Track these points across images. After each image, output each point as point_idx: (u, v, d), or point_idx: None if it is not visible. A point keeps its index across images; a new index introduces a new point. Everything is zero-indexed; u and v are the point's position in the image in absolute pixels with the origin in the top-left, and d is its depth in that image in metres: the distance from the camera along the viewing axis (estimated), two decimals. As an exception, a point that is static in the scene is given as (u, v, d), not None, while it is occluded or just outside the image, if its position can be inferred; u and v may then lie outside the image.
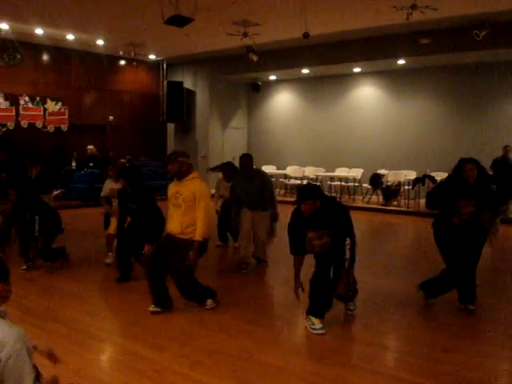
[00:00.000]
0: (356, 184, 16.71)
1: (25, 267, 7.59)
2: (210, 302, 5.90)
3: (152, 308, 5.75)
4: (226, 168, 9.40)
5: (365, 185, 16.30)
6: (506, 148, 12.88)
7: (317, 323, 5.20)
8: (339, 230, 5.22)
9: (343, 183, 16.78)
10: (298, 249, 5.33)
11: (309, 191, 5.30)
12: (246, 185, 7.82)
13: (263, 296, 6.90)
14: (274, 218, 7.91)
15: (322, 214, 5.19)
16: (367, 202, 15.85)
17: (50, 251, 7.67)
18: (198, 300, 5.94)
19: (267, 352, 4.71)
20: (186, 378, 4.17)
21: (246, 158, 7.92)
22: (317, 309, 5.27)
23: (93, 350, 4.82)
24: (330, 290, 5.33)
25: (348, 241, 5.27)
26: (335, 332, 5.24)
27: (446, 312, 5.86)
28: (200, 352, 4.70)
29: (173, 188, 5.81)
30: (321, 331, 5.13)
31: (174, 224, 5.73)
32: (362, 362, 4.56)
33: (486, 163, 13.22)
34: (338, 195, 16.73)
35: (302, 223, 5.26)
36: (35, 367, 2.80)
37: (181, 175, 5.72)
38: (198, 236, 5.62)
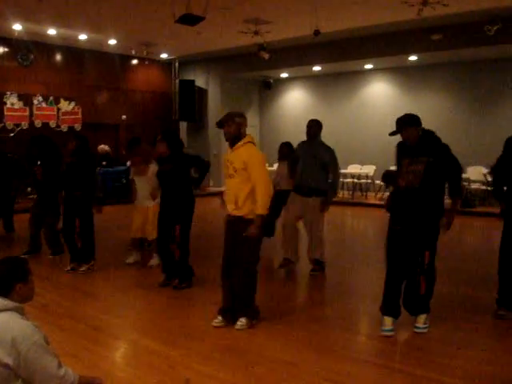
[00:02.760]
0: (369, 181, 16.68)
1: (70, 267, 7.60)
2: (244, 321, 5.20)
3: (217, 322, 5.24)
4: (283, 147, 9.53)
5: (377, 182, 16.26)
6: None
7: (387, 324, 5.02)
8: (437, 158, 4.91)
9: (356, 180, 16.75)
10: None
11: (411, 118, 5.12)
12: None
13: (275, 292, 6.86)
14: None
15: (421, 142, 5.01)
16: (380, 199, 15.82)
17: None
18: (248, 314, 5.24)
19: (279, 348, 4.75)
20: (199, 373, 4.22)
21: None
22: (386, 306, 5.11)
23: (107, 346, 4.89)
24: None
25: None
26: (346, 328, 5.26)
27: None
28: (213, 348, 4.75)
29: (225, 156, 5.24)
30: (388, 333, 4.98)
31: (229, 198, 5.13)
32: (373, 357, 4.59)
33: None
34: (351, 192, 16.74)
35: (401, 154, 5.19)
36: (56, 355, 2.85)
37: (235, 140, 5.08)
38: (258, 208, 4.97)
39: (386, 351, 4.74)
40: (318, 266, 7.48)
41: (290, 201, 7.58)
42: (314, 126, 7.51)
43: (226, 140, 5.14)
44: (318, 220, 7.43)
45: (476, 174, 14.68)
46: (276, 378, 4.18)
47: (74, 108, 16.46)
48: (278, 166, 9.50)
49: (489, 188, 13.91)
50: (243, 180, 5.01)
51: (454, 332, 5.14)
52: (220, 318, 5.24)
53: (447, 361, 4.44)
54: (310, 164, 7.29)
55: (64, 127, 16.13)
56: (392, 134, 5.29)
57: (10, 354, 2.63)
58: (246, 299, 5.19)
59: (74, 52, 16.59)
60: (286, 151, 9.12)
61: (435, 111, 16.12)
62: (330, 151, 7.44)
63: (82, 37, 15.12)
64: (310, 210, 7.31)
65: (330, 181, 7.34)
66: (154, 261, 7.79)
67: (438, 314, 5.35)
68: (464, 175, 14.97)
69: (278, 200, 7.49)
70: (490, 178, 13.78)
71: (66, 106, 16.34)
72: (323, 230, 7.61)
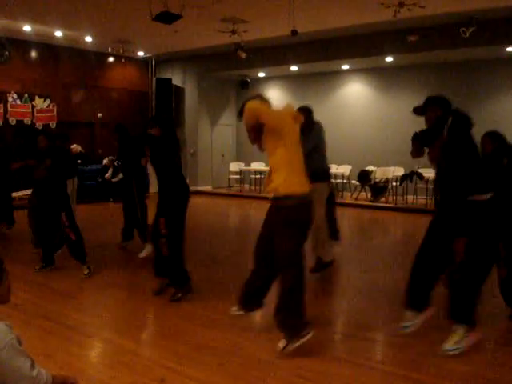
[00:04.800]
0: (344, 181, 16.78)
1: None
2: (307, 334, 4.44)
3: (236, 311, 5.05)
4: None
5: (353, 181, 16.38)
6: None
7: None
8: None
9: (332, 180, 16.82)
10: None
11: (434, 98, 5.06)
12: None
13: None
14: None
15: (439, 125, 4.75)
16: (356, 199, 15.93)
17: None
18: (293, 330, 4.46)
19: (256, 346, 4.76)
20: (175, 371, 4.20)
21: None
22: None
23: (81, 345, 4.84)
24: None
25: None
26: (323, 326, 5.29)
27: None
28: (189, 347, 4.73)
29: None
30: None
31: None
32: (350, 356, 4.61)
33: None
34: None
35: None
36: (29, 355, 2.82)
37: None
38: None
39: (364, 350, 4.77)
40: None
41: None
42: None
43: None
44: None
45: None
46: (251, 375, 4.19)
47: (49, 105, 16.31)
48: None
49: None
50: (269, 151, 4.82)
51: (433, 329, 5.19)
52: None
53: (422, 359, 4.49)
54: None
55: (39, 125, 15.97)
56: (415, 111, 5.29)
57: (-19, 356, 2.59)
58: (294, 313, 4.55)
59: (49, 49, 16.40)
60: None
61: (411, 111, 16.26)
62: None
63: (58, 34, 14.96)
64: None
65: None
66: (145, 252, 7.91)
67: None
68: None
69: None
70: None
71: (41, 103, 16.18)
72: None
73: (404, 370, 4.25)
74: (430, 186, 13.89)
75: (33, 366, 2.75)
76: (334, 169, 16.86)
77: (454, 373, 4.25)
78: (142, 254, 8.16)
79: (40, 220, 7.60)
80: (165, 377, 4.10)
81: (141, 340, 4.87)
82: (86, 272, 7.18)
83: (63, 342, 4.80)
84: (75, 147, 16.22)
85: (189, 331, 5.13)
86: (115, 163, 16.41)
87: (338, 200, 15.64)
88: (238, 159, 19.98)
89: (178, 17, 10.87)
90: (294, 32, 11.80)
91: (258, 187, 17.92)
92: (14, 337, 2.73)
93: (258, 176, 18.23)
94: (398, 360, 4.48)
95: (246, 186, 19.45)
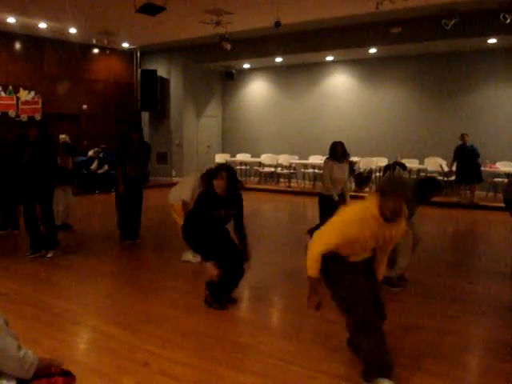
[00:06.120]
0: (329, 171, 16.89)
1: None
2: None
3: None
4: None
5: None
6: (462, 136, 13.35)
7: None
8: None
9: (316, 171, 16.98)
10: None
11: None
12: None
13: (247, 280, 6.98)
14: None
15: None
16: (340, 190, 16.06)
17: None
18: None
19: (238, 331, 4.90)
20: (158, 356, 4.33)
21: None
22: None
23: (67, 331, 4.95)
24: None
25: None
26: (304, 312, 5.43)
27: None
28: (172, 332, 4.86)
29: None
30: None
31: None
32: (326, 338, 4.75)
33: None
34: (312, 182, 16.99)
35: None
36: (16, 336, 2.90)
37: None
38: None
39: (340, 333, 4.92)
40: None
41: None
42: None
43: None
44: None
45: (433, 164, 15.06)
46: (234, 359, 4.31)
47: (33, 97, 16.29)
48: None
49: (445, 178, 14.28)
50: None
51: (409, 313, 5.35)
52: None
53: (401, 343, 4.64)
54: None
55: (24, 117, 15.95)
56: None
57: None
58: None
59: (34, 41, 16.35)
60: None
61: (394, 102, 16.45)
62: None
63: (42, 25, 14.93)
64: None
65: None
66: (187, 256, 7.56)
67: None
68: (421, 166, 15.37)
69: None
70: (446, 169, 14.18)
71: (25, 95, 16.15)
72: None
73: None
74: (412, 177, 14.07)
75: (19, 347, 2.83)
76: (319, 159, 17.03)
77: None
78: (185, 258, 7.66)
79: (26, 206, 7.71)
80: (148, 360, 4.22)
81: (125, 326, 4.98)
82: (49, 255, 7.71)
83: (50, 328, 4.91)
84: (64, 138, 16.25)
85: (172, 318, 5.25)
86: (100, 155, 16.48)
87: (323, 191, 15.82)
88: (223, 151, 20.06)
89: (161, 8, 10.94)
90: (278, 23, 11.91)
91: (243, 178, 18.03)
92: (2, 318, 2.81)
93: (243, 167, 18.35)
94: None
95: (232, 177, 19.47)
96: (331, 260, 3.93)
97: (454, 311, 5.54)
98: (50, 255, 7.69)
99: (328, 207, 7.39)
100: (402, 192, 3.71)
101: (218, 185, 5.26)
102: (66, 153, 9.74)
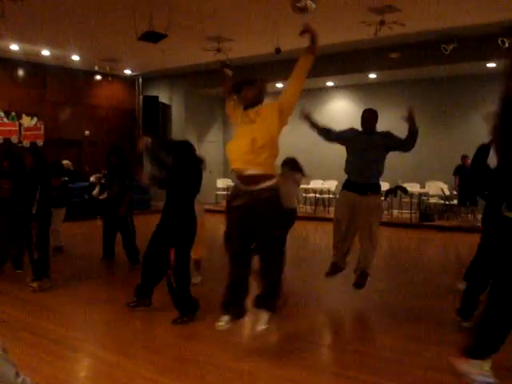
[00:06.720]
0: (331, 196, 16.94)
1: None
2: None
3: (222, 324, 4.82)
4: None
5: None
6: (464, 157, 13.45)
7: None
8: None
9: (318, 195, 17.00)
10: None
11: None
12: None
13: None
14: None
15: None
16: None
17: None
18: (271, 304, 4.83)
19: (236, 357, 4.84)
20: (156, 383, 4.29)
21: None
22: None
23: (66, 358, 4.91)
24: None
25: None
26: (302, 336, 5.39)
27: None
28: (170, 359, 4.82)
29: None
30: None
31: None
32: (326, 366, 4.71)
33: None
34: (313, 207, 16.98)
35: None
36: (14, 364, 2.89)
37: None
38: None
39: (340, 360, 4.88)
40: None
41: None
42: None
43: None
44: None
45: (434, 188, 15.06)
46: (232, 386, 4.28)
47: (36, 124, 16.40)
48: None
49: (447, 202, 14.28)
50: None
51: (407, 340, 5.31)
52: (226, 317, 4.83)
53: (395, 367, 4.60)
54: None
55: (26, 143, 16.04)
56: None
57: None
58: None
59: (37, 67, 16.52)
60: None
61: (395, 127, 16.42)
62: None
63: (45, 52, 15.10)
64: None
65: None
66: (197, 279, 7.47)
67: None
68: (423, 190, 15.37)
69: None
70: (447, 192, 14.20)
71: (28, 121, 16.27)
72: None
73: (379, 379, 4.35)
74: (414, 201, 14.08)
75: (17, 374, 2.82)
76: (320, 184, 17.05)
77: None
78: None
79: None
80: (147, 388, 4.19)
81: (123, 353, 4.94)
82: (35, 285, 7.21)
83: (48, 355, 4.87)
84: (67, 163, 16.30)
85: (171, 344, 5.22)
86: (102, 181, 16.49)
87: (325, 215, 15.82)
88: (224, 176, 20.08)
89: (163, 36, 11.04)
90: (278, 50, 12.03)
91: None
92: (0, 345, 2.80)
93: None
94: (373, 370, 4.58)
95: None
96: None
97: None
98: (34, 285, 7.20)
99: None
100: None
101: None
102: (54, 172, 9.65)
